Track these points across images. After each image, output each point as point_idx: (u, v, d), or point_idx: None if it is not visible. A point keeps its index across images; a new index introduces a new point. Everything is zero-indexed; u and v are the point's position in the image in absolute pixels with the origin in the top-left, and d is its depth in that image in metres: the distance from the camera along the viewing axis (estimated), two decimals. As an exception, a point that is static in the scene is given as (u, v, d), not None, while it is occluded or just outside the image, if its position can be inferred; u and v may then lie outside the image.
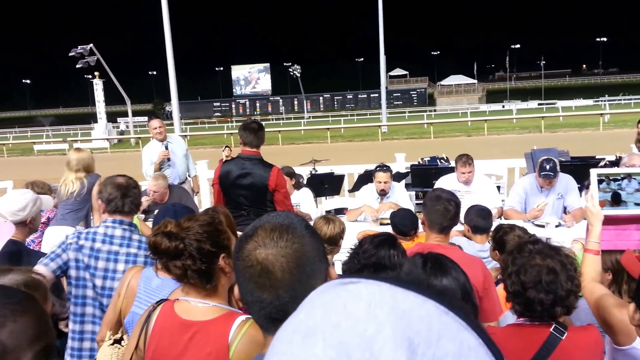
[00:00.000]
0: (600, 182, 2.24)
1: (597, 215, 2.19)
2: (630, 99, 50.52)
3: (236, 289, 2.27)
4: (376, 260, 2.05)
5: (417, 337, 0.36)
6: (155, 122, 6.30)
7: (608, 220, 2.22)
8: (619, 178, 2.25)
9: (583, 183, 5.06)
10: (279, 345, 0.40)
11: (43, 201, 3.11)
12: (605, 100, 49.79)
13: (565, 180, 4.89)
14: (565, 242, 3.49)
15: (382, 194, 5.30)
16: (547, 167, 4.70)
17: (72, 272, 2.50)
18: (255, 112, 77.82)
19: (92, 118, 39.09)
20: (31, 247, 4.15)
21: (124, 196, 2.58)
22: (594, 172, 2.27)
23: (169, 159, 6.19)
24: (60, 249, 2.51)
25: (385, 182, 5.26)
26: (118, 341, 2.08)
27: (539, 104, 54.18)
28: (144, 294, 2.14)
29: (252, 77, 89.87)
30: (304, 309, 0.41)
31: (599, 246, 2.18)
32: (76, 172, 4.59)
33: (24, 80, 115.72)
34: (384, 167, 5.32)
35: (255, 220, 1.08)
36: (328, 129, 30.40)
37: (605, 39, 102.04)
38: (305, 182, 6.52)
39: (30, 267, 2.55)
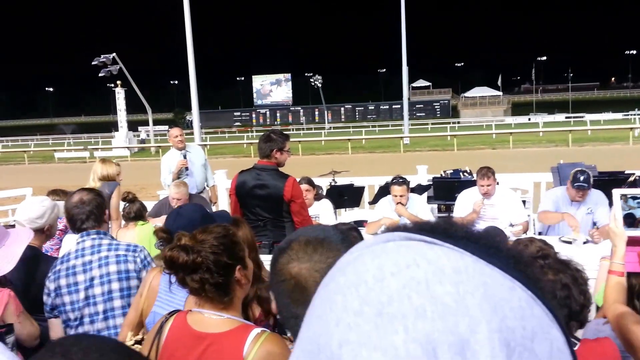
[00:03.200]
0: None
1: (620, 235, 2.11)
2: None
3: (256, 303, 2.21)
4: None
5: (513, 339, 0.31)
6: (175, 131, 6.30)
7: (634, 241, 2.11)
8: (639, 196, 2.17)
9: (611, 199, 4.87)
10: (342, 313, 0.32)
11: (60, 208, 3.11)
12: (635, 114, 48.80)
13: (595, 195, 4.74)
14: (593, 260, 3.32)
15: (400, 206, 5.18)
16: (581, 178, 4.55)
17: (61, 299, 2.53)
18: (276, 122, 78.29)
19: (113, 126, 39.74)
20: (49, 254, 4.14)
21: (81, 214, 2.64)
22: (617, 192, 2.19)
23: (187, 168, 6.18)
24: (45, 295, 2.54)
25: (401, 196, 5.13)
26: (139, 342, 2.06)
27: (566, 117, 53.40)
28: (165, 293, 2.15)
29: (264, 90, 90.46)
30: (368, 267, 0.34)
31: (623, 267, 2.08)
32: (99, 181, 4.60)
33: (47, 89, 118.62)
34: (399, 180, 5.20)
35: (292, 233, 1.05)
36: (349, 139, 30.36)
37: (634, 52, 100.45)
38: (324, 193, 6.42)
39: (44, 272, 2.57)
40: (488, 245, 0.36)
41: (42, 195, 3.70)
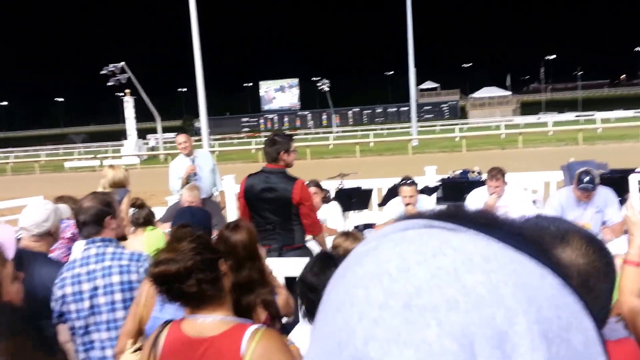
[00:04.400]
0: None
1: (637, 224, 2.02)
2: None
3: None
4: (322, 287, 1.96)
5: (551, 330, 0.29)
6: (181, 137, 6.37)
7: None
8: None
9: (623, 196, 4.82)
10: (366, 307, 0.30)
11: (61, 210, 3.14)
12: (645, 112, 48.28)
13: (605, 194, 4.67)
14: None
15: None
16: (585, 179, 4.49)
17: (67, 307, 2.54)
18: (284, 127, 78.45)
19: (123, 135, 40.04)
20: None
21: (80, 220, 2.66)
22: (634, 179, 2.10)
23: (195, 174, 6.20)
24: (53, 301, 2.56)
25: (410, 196, 5.11)
26: (140, 349, 2.08)
27: (577, 116, 52.93)
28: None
29: (268, 97, 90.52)
30: (390, 257, 0.31)
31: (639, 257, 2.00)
32: (110, 188, 4.62)
33: (57, 99, 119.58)
34: (408, 181, 5.19)
35: (566, 224, 1.12)
36: (357, 143, 30.31)
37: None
38: (333, 196, 6.41)
39: (52, 277, 2.58)
40: (512, 231, 0.34)
41: (43, 199, 3.74)
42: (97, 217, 2.64)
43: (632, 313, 1.85)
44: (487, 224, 0.35)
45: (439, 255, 0.30)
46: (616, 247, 4.01)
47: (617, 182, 5.33)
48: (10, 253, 2.23)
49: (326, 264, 2.17)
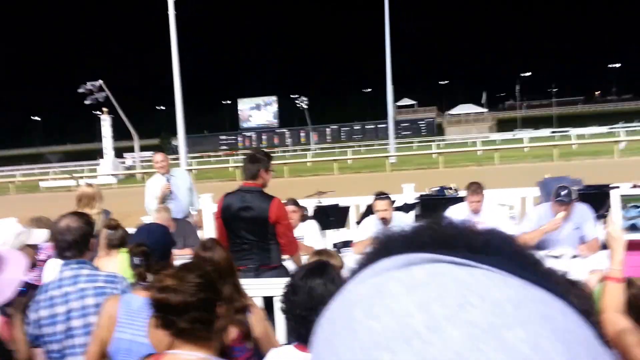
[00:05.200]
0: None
1: (618, 239, 2.01)
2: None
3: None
4: (309, 291, 1.93)
5: None
6: (158, 156, 6.33)
7: (631, 246, 2.04)
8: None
9: (598, 212, 4.87)
10: None
11: (34, 235, 3.05)
12: (619, 128, 49.42)
13: (581, 210, 4.72)
14: (582, 274, 3.29)
15: (385, 223, 5.13)
16: (562, 193, 4.54)
17: (42, 330, 2.47)
18: (262, 145, 78.35)
19: (99, 154, 39.62)
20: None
21: (64, 242, 2.58)
22: (616, 194, 2.10)
23: (171, 192, 6.13)
24: (26, 324, 2.49)
25: (385, 210, 5.09)
26: None
27: (552, 132, 53.94)
28: (125, 317, 2.14)
29: (243, 116, 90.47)
30: (408, 308, 0.28)
31: (621, 273, 1.99)
32: (90, 208, 4.50)
33: (33, 117, 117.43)
34: (381, 195, 5.18)
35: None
36: (335, 160, 30.37)
37: (618, 65, 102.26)
38: (311, 214, 6.37)
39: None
40: (518, 257, 0.33)
41: (12, 219, 3.61)
42: (83, 240, 2.58)
43: (618, 336, 1.82)
44: (491, 250, 0.33)
45: (466, 307, 0.28)
46: (593, 263, 4.04)
47: (593, 198, 5.40)
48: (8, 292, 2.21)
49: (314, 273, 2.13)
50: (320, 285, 1.89)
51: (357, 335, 0.28)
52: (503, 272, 0.31)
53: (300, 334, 1.85)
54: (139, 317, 2.08)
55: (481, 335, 0.26)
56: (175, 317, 1.58)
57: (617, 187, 6.23)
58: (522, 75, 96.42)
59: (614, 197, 2.09)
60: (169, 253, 2.29)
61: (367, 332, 0.28)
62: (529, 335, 0.27)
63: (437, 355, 0.26)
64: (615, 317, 1.87)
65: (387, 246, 0.34)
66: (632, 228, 2.06)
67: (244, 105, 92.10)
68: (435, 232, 0.34)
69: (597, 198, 5.18)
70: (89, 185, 4.61)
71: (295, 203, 5.44)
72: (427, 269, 0.30)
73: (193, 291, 1.59)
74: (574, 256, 4.43)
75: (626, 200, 2.09)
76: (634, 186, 5.78)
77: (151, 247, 2.16)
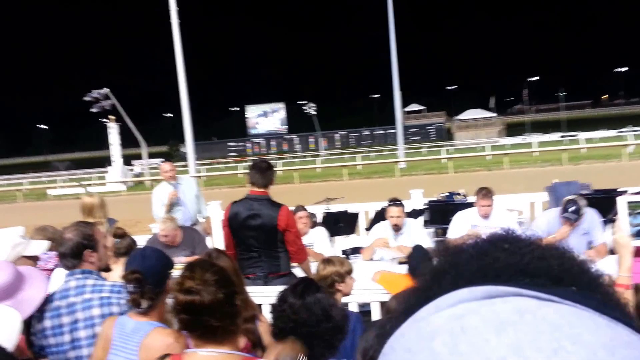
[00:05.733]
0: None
1: (627, 246, 2.00)
2: (654, 129, 49.80)
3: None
4: (306, 310, 1.96)
5: None
6: (166, 166, 6.39)
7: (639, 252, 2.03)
8: None
9: (606, 217, 4.84)
10: None
11: (32, 246, 3.08)
12: (628, 131, 49.07)
13: (590, 215, 4.69)
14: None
15: (396, 229, 5.14)
16: (570, 209, 4.48)
17: (47, 341, 2.49)
18: (271, 151, 78.50)
19: (107, 161, 39.83)
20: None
21: (61, 251, 2.61)
22: (622, 200, 2.07)
23: (178, 199, 6.17)
24: (32, 335, 2.50)
25: (398, 217, 5.10)
26: None
27: (561, 136, 53.65)
28: (119, 340, 2.14)
29: (251, 123, 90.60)
30: (500, 352, 0.27)
31: (630, 280, 1.99)
32: (93, 218, 4.52)
33: (40, 126, 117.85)
34: (395, 202, 5.19)
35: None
36: (344, 166, 30.37)
37: (626, 69, 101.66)
38: (319, 221, 6.38)
39: None
40: (594, 287, 0.33)
41: (19, 228, 3.63)
42: (75, 251, 2.58)
43: None
44: (565, 277, 0.32)
45: (561, 352, 0.27)
46: (600, 268, 4.02)
47: (601, 202, 5.36)
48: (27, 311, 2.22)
49: (309, 288, 2.16)
50: (315, 300, 1.94)
51: None
52: (589, 310, 0.30)
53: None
54: (132, 340, 2.08)
55: None
56: (207, 316, 1.57)
57: (626, 191, 6.20)
58: (530, 79, 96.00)
59: (621, 204, 2.07)
60: (165, 278, 2.25)
61: None
62: None
63: None
64: None
65: (456, 271, 0.33)
66: (639, 235, 2.05)
67: (252, 112, 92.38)
68: (509, 255, 0.33)
69: (605, 203, 5.14)
70: (90, 194, 4.62)
71: (304, 210, 5.47)
72: (512, 305, 0.29)
73: (214, 288, 1.59)
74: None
75: (633, 206, 2.07)
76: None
77: (146, 273, 2.14)
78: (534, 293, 0.30)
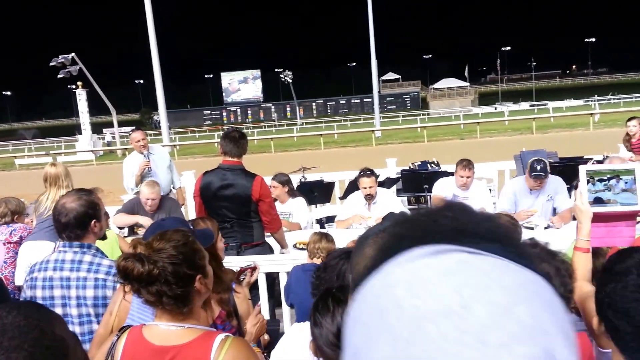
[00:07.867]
0: (587, 181, 2.16)
1: (586, 212, 2.12)
2: (620, 99, 50.92)
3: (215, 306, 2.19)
4: (338, 272, 2.01)
5: (574, 344, 0.36)
6: (138, 135, 6.10)
7: (597, 218, 2.14)
8: (606, 178, 2.17)
9: (572, 183, 5.01)
10: (443, 343, 0.33)
11: None
12: (595, 100, 50.03)
13: (555, 182, 4.84)
14: (555, 243, 3.41)
15: (369, 199, 5.21)
16: (538, 167, 4.65)
17: None
18: (247, 120, 77.70)
19: (77, 129, 38.55)
20: (4, 268, 4.01)
21: (58, 222, 2.45)
22: (583, 169, 2.18)
23: (150, 169, 5.98)
24: (22, 298, 2.45)
25: (370, 187, 5.16)
26: None
27: (530, 105, 54.38)
28: (137, 309, 2.07)
29: (232, 88, 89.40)
30: (443, 290, 0.35)
31: (588, 244, 2.12)
32: (58, 187, 4.38)
33: (4, 92, 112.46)
34: (367, 172, 5.24)
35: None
36: (321, 135, 30.31)
37: (594, 40, 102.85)
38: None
39: None
40: (512, 243, 0.41)
41: None
42: (81, 221, 2.43)
43: (582, 299, 1.94)
44: (490, 237, 0.41)
45: (487, 290, 0.35)
46: (565, 233, 4.17)
47: (566, 170, 5.53)
48: None
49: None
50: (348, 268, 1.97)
51: (403, 310, 0.35)
52: (506, 260, 0.38)
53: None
54: (148, 309, 1.99)
55: (499, 311, 0.34)
56: (139, 287, 1.52)
57: (591, 158, 6.39)
58: (503, 49, 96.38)
59: (582, 172, 2.18)
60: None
61: (413, 307, 0.35)
62: (531, 311, 0.35)
63: (469, 327, 0.33)
64: (582, 285, 1.99)
65: (412, 234, 0.41)
66: (597, 201, 2.15)
67: (228, 79, 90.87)
68: (452, 221, 0.42)
69: (570, 170, 5.31)
70: (53, 164, 4.36)
71: (285, 179, 5.51)
72: (454, 259, 0.38)
73: (163, 264, 1.51)
74: (547, 226, 4.57)
75: (592, 174, 2.17)
76: (605, 157, 5.93)
77: None
78: (470, 249, 0.39)
